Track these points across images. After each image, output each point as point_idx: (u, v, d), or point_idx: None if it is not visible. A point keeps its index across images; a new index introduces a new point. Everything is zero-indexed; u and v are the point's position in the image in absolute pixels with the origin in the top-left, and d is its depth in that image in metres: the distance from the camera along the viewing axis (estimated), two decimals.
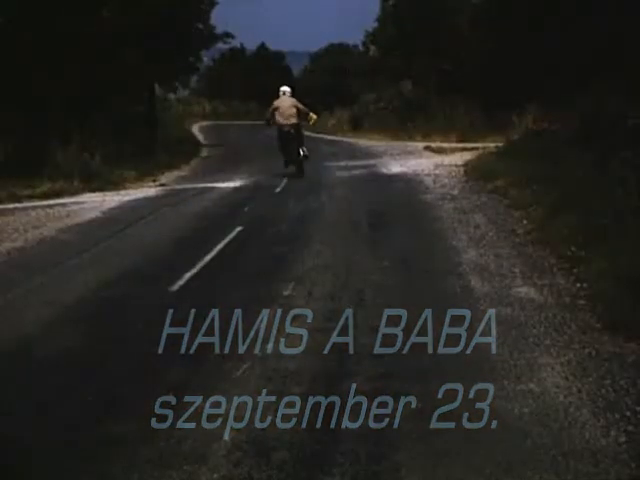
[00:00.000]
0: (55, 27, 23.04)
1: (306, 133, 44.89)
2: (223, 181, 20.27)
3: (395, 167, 21.53)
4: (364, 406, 5.26)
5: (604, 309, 6.92)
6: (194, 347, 6.69)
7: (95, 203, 17.08)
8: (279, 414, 5.16)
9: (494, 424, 4.89)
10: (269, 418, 5.10)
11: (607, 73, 17.70)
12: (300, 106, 19.65)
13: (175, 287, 8.79)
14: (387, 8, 46.53)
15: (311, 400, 5.43)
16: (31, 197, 18.04)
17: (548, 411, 5.02)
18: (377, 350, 6.41)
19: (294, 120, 19.43)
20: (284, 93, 19.51)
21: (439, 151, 26.32)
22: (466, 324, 6.93)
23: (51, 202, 17.26)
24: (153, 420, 5.19)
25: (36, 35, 22.56)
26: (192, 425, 5.06)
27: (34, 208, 16.30)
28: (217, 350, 6.56)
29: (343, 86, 60.14)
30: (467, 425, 4.90)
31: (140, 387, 5.90)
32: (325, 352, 6.43)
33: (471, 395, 5.37)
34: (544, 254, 9.45)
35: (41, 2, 22.96)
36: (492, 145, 22.94)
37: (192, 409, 5.30)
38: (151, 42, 28.03)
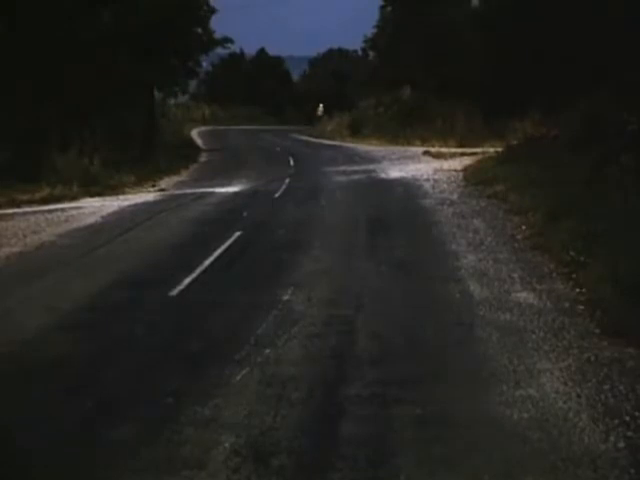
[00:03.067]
0: (55, 31, 23.04)
1: (304, 138, 44.95)
2: (222, 186, 20.28)
3: (394, 172, 21.55)
4: (363, 411, 5.26)
5: (603, 314, 6.92)
6: (193, 352, 6.69)
7: (94, 208, 17.07)
8: (278, 419, 5.16)
9: (493, 430, 4.89)
10: (268, 423, 5.10)
11: (607, 79, 17.71)
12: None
13: (175, 292, 8.78)
14: (386, 14, 46.60)
15: (310, 405, 5.43)
16: (30, 202, 18.02)
17: (547, 416, 5.02)
18: (376, 355, 6.40)
19: (321, 114, 55.79)
20: (320, 105, 54.05)
21: (438, 156, 26.35)
22: (465, 328, 6.94)
23: (50, 207, 17.24)
24: (152, 425, 5.19)
25: (36, 40, 22.56)
26: (191, 430, 5.06)
27: (33, 213, 16.29)
28: (216, 355, 6.56)
29: (342, 91, 60.21)
30: (466, 430, 4.89)
31: (139, 392, 5.89)
32: (324, 357, 6.42)
33: (470, 400, 5.36)
34: (543, 259, 9.46)
35: (41, 6, 22.97)
36: (491, 150, 22.97)
37: (191, 414, 5.30)
38: (150, 47, 28.04)
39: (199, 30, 33.95)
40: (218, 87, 67.70)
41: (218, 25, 37.90)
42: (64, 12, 23.50)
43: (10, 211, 16.64)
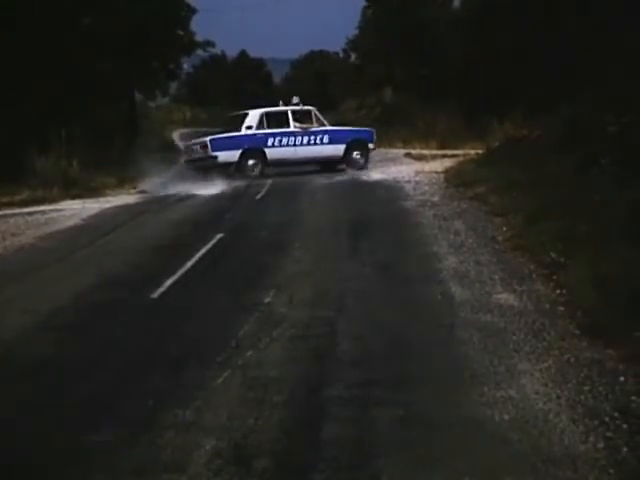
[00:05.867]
0: (36, 33, 22.94)
1: None
2: (204, 188, 20.24)
3: (376, 174, 21.57)
4: (345, 413, 5.26)
5: (583, 315, 6.95)
6: (174, 354, 6.68)
7: (75, 210, 17.00)
8: (260, 422, 5.15)
9: (474, 431, 4.90)
10: (250, 426, 5.09)
11: (590, 80, 17.79)
12: None
13: (156, 294, 8.75)
14: (368, 15, 46.69)
15: (292, 408, 5.43)
16: (10, 205, 17.95)
17: (527, 417, 5.04)
18: (358, 357, 6.41)
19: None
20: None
21: (419, 158, 26.42)
22: (446, 330, 6.95)
23: (30, 210, 17.17)
24: (133, 428, 5.17)
25: (16, 41, 22.45)
26: (172, 433, 5.04)
27: (13, 216, 16.21)
28: (197, 358, 6.54)
29: (324, 93, 60.23)
30: (448, 432, 4.91)
31: (120, 395, 5.86)
32: (306, 359, 6.42)
33: (451, 401, 5.38)
34: (524, 260, 9.49)
35: (22, 8, 22.86)
36: (472, 152, 23.04)
37: (172, 417, 5.28)
38: (131, 49, 27.97)
39: (180, 32, 33.87)
40: (200, 89, 67.61)
41: (199, 27, 37.71)
42: (45, 14, 23.40)
43: None
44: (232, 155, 22.42)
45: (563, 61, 21.23)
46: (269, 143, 22.90)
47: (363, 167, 23.46)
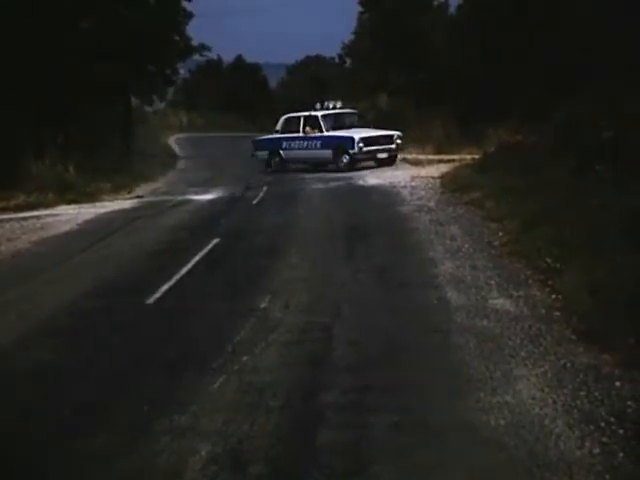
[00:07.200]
0: (35, 38, 22.90)
1: None
2: (199, 193, 20.25)
3: (372, 179, 21.57)
4: (341, 418, 5.25)
5: (579, 321, 6.96)
6: (170, 360, 6.67)
7: (70, 215, 16.98)
8: (255, 427, 5.15)
9: (470, 436, 4.90)
10: (245, 431, 5.08)
11: (590, 81, 17.75)
12: None
13: (151, 300, 8.75)
14: (363, 21, 46.69)
15: (287, 413, 5.42)
16: (5, 210, 17.92)
17: (524, 423, 5.04)
18: (354, 362, 6.40)
19: None
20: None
21: (415, 163, 26.40)
22: (443, 335, 6.95)
23: (25, 214, 17.15)
24: (128, 434, 5.16)
25: (15, 43, 22.41)
26: (168, 439, 5.03)
27: (8, 221, 16.19)
28: (193, 363, 6.54)
29: (321, 98, 60.22)
30: (444, 437, 4.91)
31: (116, 401, 5.86)
32: (301, 365, 6.42)
33: (447, 407, 5.38)
34: (520, 266, 9.49)
35: (20, 11, 22.82)
36: (468, 157, 23.02)
37: (168, 423, 5.27)
38: (129, 53, 27.94)
39: (176, 37, 33.80)
40: (196, 94, 67.54)
41: (195, 32, 37.55)
42: (45, 15, 23.36)
43: None
44: (264, 154, 27.19)
45: (563, 61, 21.13)
46: (283, 145, 26.66)
47: (343, 169, 24.73)
